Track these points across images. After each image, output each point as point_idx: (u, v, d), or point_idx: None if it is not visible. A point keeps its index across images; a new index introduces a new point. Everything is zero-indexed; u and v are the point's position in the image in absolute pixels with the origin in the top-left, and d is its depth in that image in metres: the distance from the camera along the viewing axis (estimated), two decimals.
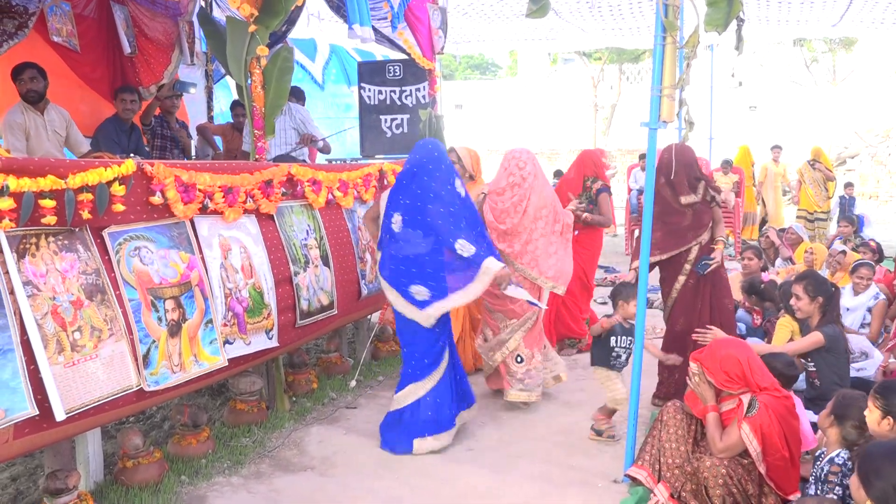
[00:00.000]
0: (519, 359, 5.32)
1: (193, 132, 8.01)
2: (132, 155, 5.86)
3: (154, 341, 3.82)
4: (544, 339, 5.54)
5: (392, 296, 4.66)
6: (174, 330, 3.95)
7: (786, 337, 5.28)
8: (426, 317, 4.57)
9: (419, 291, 4.55)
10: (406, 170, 4.69)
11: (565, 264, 5.38)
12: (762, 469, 3.59)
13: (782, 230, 9.49)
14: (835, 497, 3.17)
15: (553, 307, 6.51)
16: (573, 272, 5.54)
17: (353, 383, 5.66)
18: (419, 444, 4.58)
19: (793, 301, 4.77)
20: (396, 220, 4.61)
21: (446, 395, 4.69)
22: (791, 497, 3.62)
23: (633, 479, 4.03)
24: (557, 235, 5.35)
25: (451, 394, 4.72)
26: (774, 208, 13.55)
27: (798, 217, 12.75)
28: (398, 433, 4.64)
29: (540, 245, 5.24)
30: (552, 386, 5.59)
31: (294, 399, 5.40)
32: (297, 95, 7.50)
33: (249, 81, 4.92)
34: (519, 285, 4.79)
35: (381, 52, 10.36)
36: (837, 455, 3.32)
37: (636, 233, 13.08)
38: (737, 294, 6.64)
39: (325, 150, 7.40)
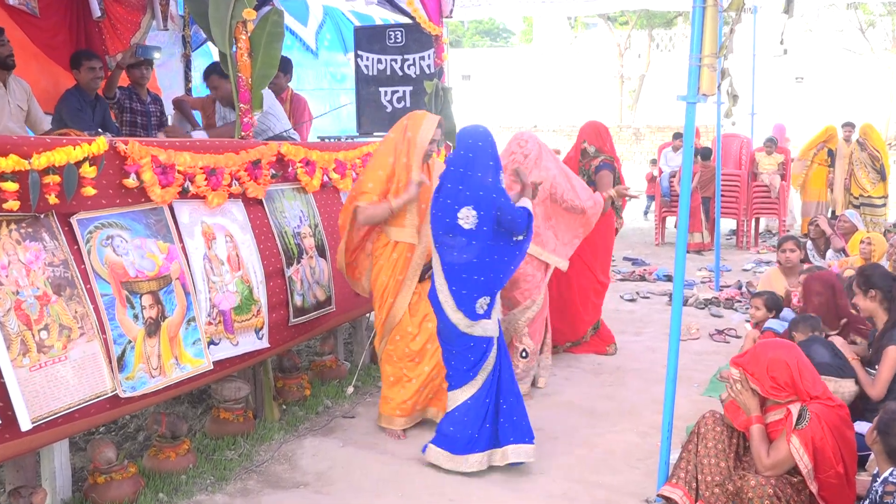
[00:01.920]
0: (524, 353, 5.63)
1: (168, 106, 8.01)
2: (100, 131, 5.87)
3: (130, 342, 3.84)
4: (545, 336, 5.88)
5: (449, 307, 4.57)
6: (152, 329, 3.97)
7: None
8: (483, 329, 4.57)
9: (482, 303, 4.56)
10: (461, 156, 4.56)
11: (564, 237, 5.81)
12: (813, 488, 3.60)
13: (834, 217, 9.47)
14: None
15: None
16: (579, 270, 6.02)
17: (351, 389, 5.68)
18: (431, 450, 4.61)
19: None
20: (468, 214, 4.45)
21: (477, 415, 4.58)
22: None
23: (667, 500, 4.03)
24: (564, 212, 5.79)
25: (483, 419, 4.58)
26: (843, 195, 13.41)
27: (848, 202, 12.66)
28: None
29: (540, 222, 5.59)
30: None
31: (284, 407, 5.42)
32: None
33: (234, 49, 4.92)
34: None
35: (380, 16, 10.32)
36: (891, 474, 3.33)
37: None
38: (779, 289, 6.67)
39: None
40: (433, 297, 4.62)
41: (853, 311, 5.18)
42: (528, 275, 5.60)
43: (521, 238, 4.56)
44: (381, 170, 4.96)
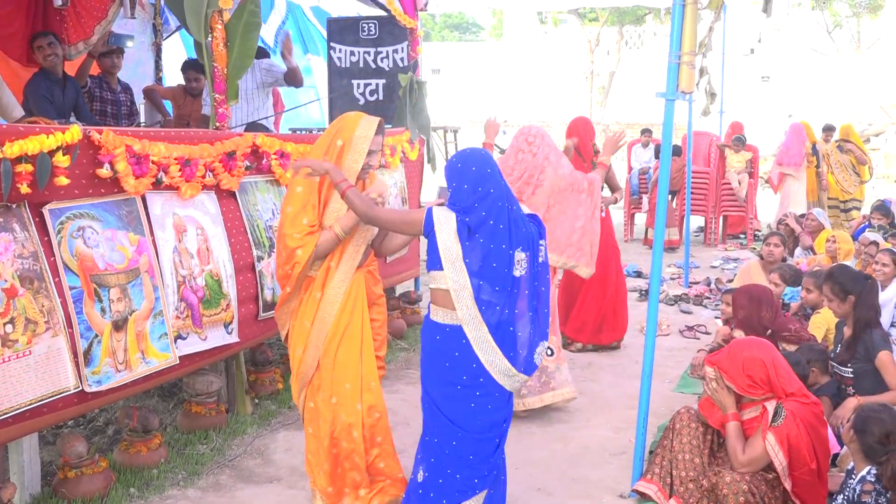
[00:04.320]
0: (549, 351, 5.00)
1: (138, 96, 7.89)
2: (73, 119, 5.76)
3: (97, 336, 3.78)
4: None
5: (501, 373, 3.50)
6: (119, 323, 3.91)
7: (821, 336, 5.33)
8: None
9: (541, 350, 3.60)
10: (482, 191, 3.42)
11: (585, 239, 5.21)
12: (787, 485, 3.63)
13: (802, 216, 9.57)
14: None
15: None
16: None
17: None
18: None
19: (825, 302, 4.86)
20: (521, 259, 3.45)
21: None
22: None
23: (642, 495, 4.06)
24: (580, 207, 5.21)
25: None
26: (821, 195, 13.45)
27: (830, 206, 12.67)
28: None
29: (555, 222, 5.10)
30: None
31: (257, 401, 5.38)
32: (260, 56, 7.40)
33: (210, 38, 4.85)
34: None
35: (338, 12, 10.20)
36: (868, 472, 3.36)
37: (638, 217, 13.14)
38: (759, 281, 6.73)
39: (295, 81, 7.09)
40: (468, 375, 3.47)
41: (780, 321, 5.30)
42: None
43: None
44: (306, 217, 3.66)
